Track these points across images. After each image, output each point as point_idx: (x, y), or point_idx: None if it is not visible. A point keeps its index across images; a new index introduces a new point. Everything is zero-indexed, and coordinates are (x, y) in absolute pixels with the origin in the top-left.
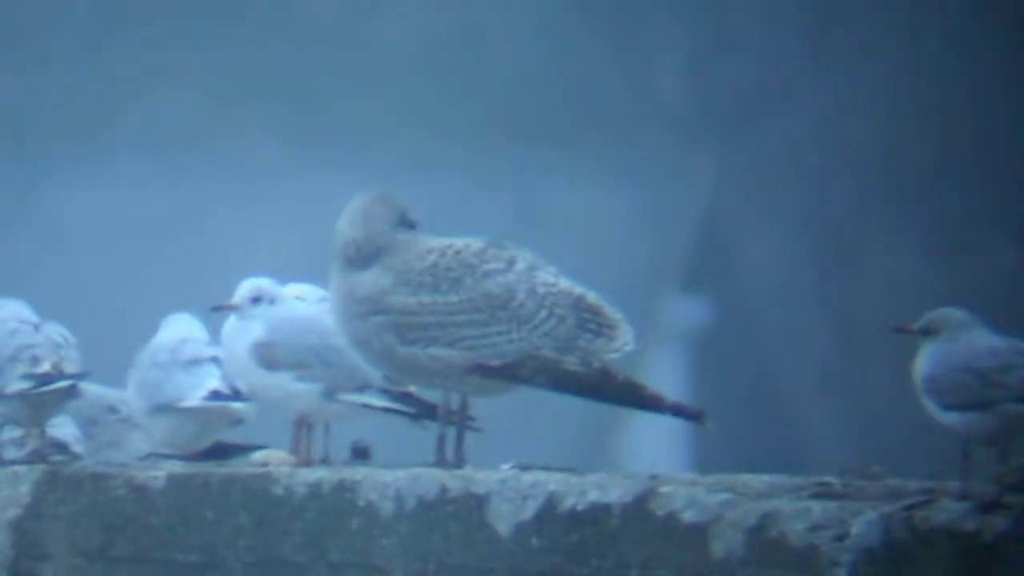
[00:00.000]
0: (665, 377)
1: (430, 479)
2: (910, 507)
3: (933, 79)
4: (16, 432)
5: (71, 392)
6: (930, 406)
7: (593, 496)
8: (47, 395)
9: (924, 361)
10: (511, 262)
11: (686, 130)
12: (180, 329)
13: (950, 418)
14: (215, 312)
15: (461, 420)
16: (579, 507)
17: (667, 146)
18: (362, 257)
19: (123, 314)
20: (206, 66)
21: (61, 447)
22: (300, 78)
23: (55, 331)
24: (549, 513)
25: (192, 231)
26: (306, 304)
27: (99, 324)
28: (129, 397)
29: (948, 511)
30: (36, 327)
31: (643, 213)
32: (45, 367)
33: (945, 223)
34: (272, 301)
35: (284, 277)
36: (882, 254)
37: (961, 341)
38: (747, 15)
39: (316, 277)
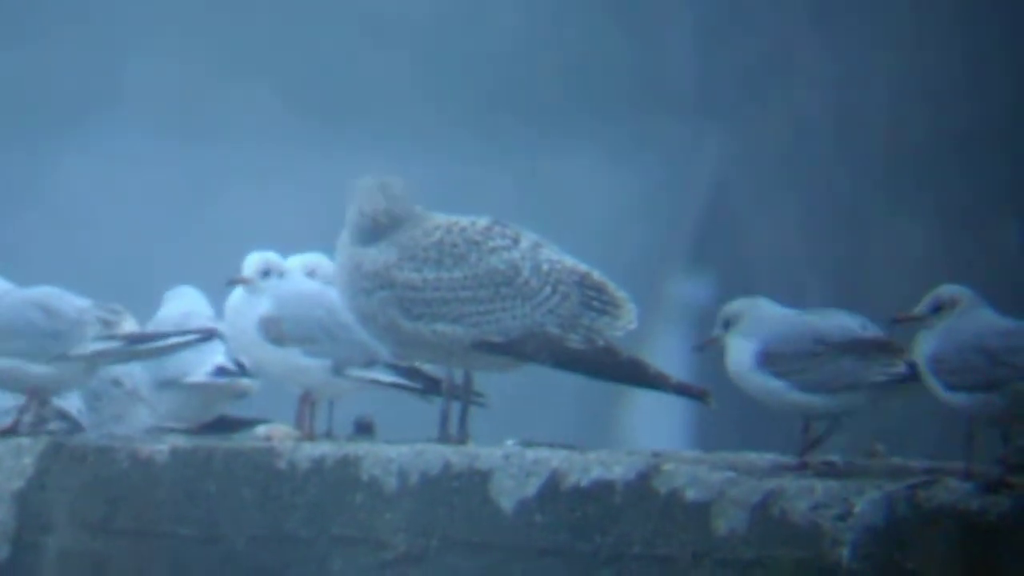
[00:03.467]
0: (670, 355)
1: (434, 454)
2: (913, 486)
3: (939, 56)
4: (10, 402)
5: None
6: (934, 386)
7: (596, 473)
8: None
9: (929, 341)
10: (516, 239)
11: (691, 107)
12: (184, 303)
13: (956, 398)
14: (230, 286)
15: (465, 396)
16: (582, 484)
17: (672, 124)
18: (379, 228)
19: (130, 288)
20: (213, 39)
21: (63, 416)
22: (306, 52)
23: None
24: (552, 490)
25: (198, 205)
26: (314, 279)
27: (103, 296)
28: (134, 371)
29: (952, 491)
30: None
31: (648, 191)
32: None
33: (951, 201)
34: (280, 275)
35: (290, 251)
36: (888, 232)
37: (967, 320)
38: None
39: (319, 248)
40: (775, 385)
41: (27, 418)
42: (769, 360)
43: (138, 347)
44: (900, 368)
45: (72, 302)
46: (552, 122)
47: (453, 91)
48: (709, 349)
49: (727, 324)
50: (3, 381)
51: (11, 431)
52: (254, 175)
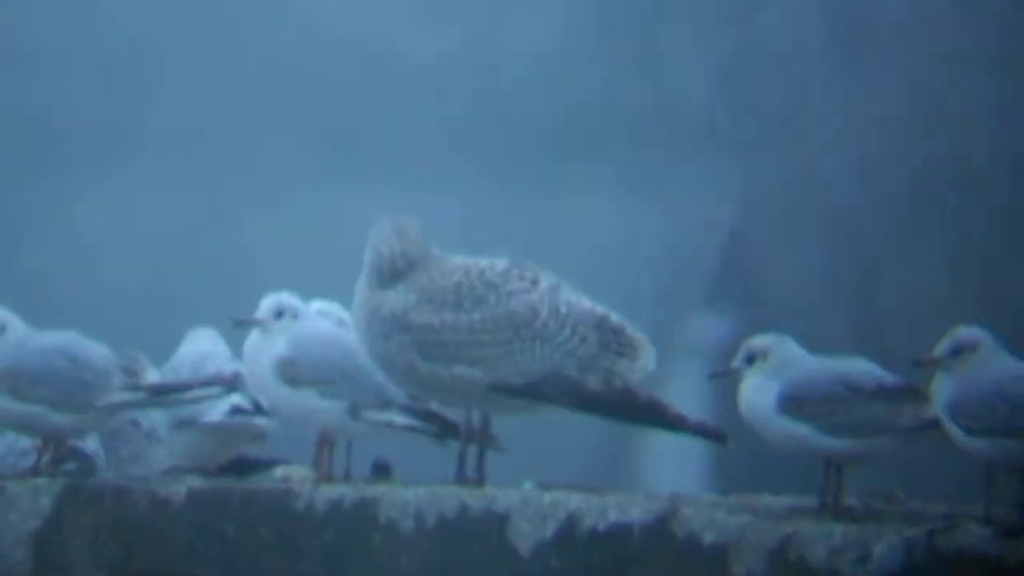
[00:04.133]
0: (688, 396)
1: (451, 497)
2: (932, 531)
3: (959, 96)
4: (27, 443)
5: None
6: (953, 431)
7: (613, 516)
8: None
9: (947, 385)
10: (534, 281)
11: (710, 146)
12: (202, 344)
13: (975, 444)
14: (237, 327)
15: (482, 438)
16: (599, 527)
17: (691, 163)
18: (396, 272)
19: (146, 324)
20: (232, 76)
21: (80, 456)
22: (325, 88)
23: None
24: (569, 533)
25: (216, 241)
26: (328, 321)
27: (123, 334)
28: (151, 411)
29: (970, 536)
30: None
31: (667, 230)
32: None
33: (971, 242)
34: (295, 316)
35: (307, 288)
36: (907, 271)
37: (986, 365)
38: (773, 30)
39: (338, 288)
40: (797, 429)
41: (45, 459)
42: (793, 403)
43: (161, 398)
44: (930, 414)
45: (97, 351)
46: (570, 160)
47: (472, 129)
48: (725, 382)
49: (751, 359)
50: (25, 427)
51: (32, 473)
52: (274, 211)
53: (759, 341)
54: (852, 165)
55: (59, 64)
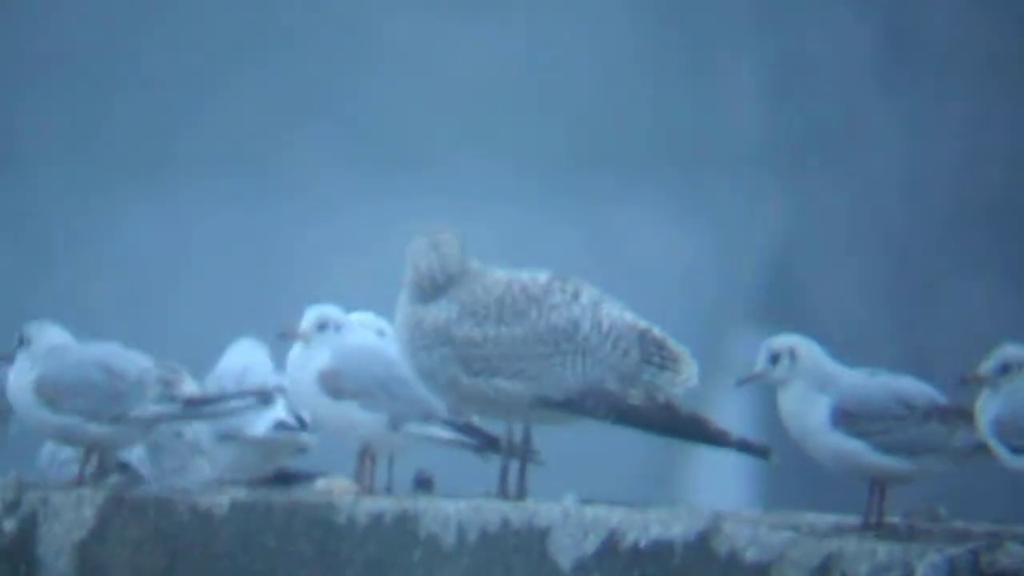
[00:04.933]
0: (732, 412)
1: (492, 511)
2: (975, 550)
3: (1005, 113)
4: (70, 452)
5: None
6: (999, 449)
7: (655, 532)
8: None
9: (993, 402)
10: (576, 295)
11: (758, 165)
12: (245, 357)
13: (1021, 462)
14: (281, 339)
15: (524, 452)
16: (641, 543)
17: (739, 179)
18: (436, 287)
19: (189, 339)
20: (273, 91)
21: (123, 467)
22: (367, 104)
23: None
24: (611, 548)
25: (259, 256)
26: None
27: (165, 349)
28: (195, 424)
29: (1014, 555)
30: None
31: (714, 246)
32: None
33: (1017, 261)
34: (338, 328)
35: (350, 302)
36: (953, 289)
37: None
38: (821, 48)
39: (380, 302)
40: (852, 445)
41: (88, 469)
42: (848, 419)
43: (196, 410)
44: (982, 435)
45: (135, 361)
46: (617, 177)
47: (520, 145)
48: (768, 398)
49: (775, 359)
50: (64, 438)
51: (76, 483)
52: (315, 227)
53: (781, 340)
54: (903, 186)
55: (106, 82)
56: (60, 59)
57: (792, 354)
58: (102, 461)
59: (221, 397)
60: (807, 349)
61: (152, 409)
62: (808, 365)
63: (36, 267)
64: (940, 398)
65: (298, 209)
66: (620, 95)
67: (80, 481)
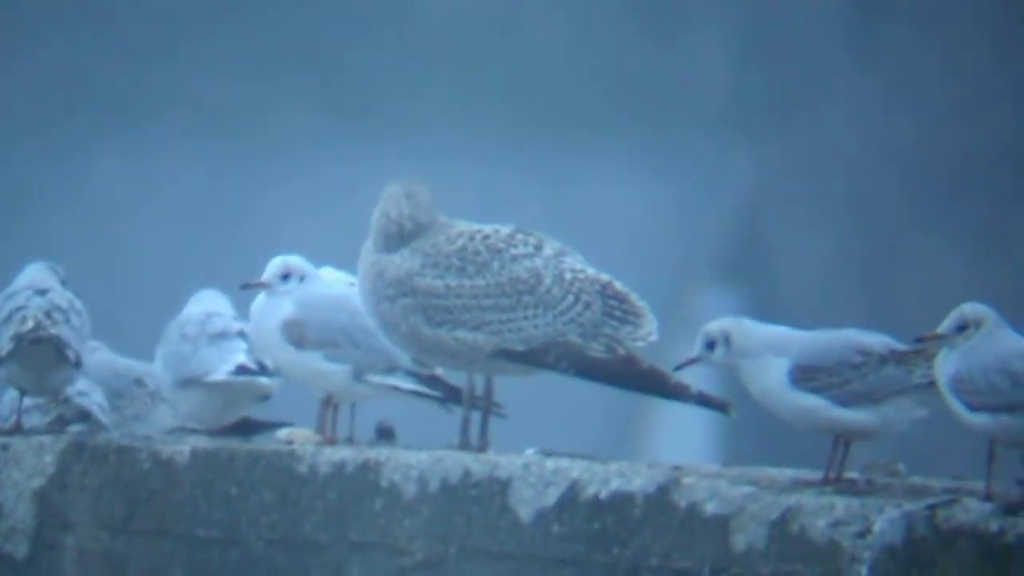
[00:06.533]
0: (694, 369)
1: (454, 462)
2: (933, 506)
3: (972, 77)
4: (39, 399)
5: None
6: (956, 406)
7: (616, 485)
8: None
9: (951, 361)
10: (538, 247)
11: (723, 123)
12: (207, 304)
13: (977, 419)
14: (244, 289)
15: (486, 404)
16: (601, 495)
17: (704, 139)
18: (403, 235)
19: (158, 289)
20: (249, 48)
21: (84, 415)
22: (337, 62)
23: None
24: (571, 500)
25: (231, 209)
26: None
27: (134, 297)
28: (156, 370)
29: (971, 511)
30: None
31: (679, 205)
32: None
33: (979, 221)
34: (302, 278)
35: (318, 256)
36: (919, 250)
37: (990, 341)
38: (788, 9)
39: (349, 256)
40: (812, 402)
41: (46, 419)
42: (805, 374)
43: None
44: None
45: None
46: (583, 134)
47: (486, 102)
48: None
49: (711, 345)
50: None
51: (13, 429)
52: (286, 182)
53: (715, 325)
54: (865, 145)
55: (82, 34)
56: (34, 16)
57: (726, 339)
58: (62, 410)
59: None
60: (740, 331)
61: None
62: (745, 346)
63: (11, 216)
64: (896, 344)
65: (268, 166)
66: (588, 52)
67: (17, 427)
